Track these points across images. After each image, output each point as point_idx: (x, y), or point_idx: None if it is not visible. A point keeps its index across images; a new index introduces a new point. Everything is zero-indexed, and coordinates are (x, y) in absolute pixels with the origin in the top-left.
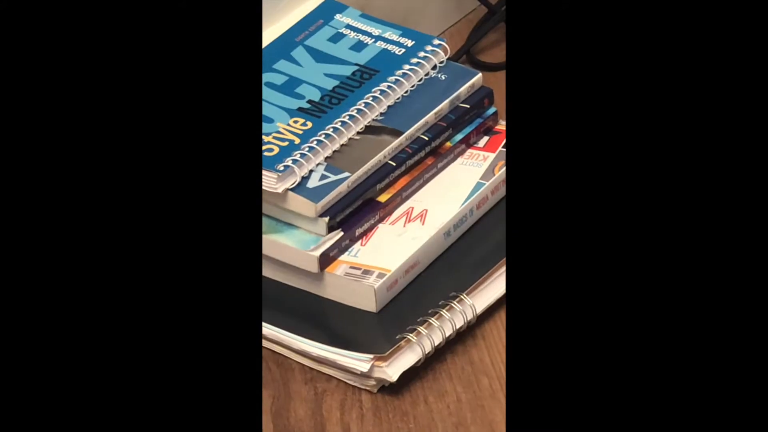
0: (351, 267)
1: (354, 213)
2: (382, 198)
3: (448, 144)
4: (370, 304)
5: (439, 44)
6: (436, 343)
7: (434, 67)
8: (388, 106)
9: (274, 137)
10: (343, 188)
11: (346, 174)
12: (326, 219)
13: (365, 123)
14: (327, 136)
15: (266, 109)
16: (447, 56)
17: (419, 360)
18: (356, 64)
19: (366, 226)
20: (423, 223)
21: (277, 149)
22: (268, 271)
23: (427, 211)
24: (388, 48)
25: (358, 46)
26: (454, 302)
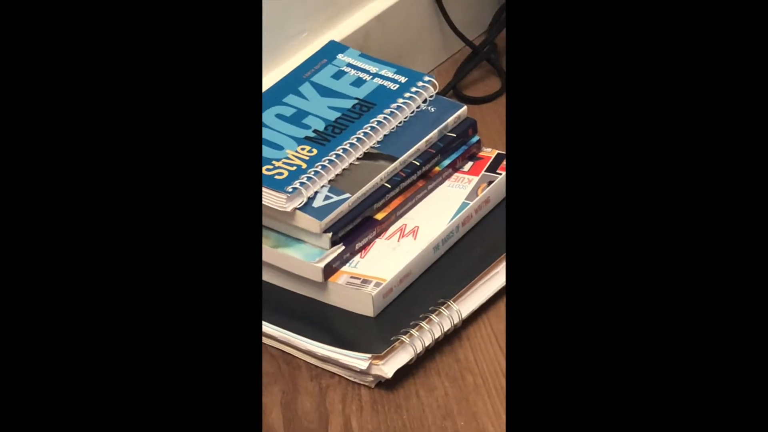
0: (351, 277)
1: (354, 229)
2: (379, 216)
3: (437, 168)
4: (368, 310)
5: (429, 80)
6: (427, 344)
7: (425, 101)
8: (384, 135)
9: (284, 162)
10: (344, 207)
11: (347, 195)
12: (330, 234)
13: (364, 150)
14: (330, 161)
15: (276, 138)
16: (436, 91)
17: (412, 359)
18: (356, 98)
19: (365, 240)
20: (415, 238)
21: (286, 173)
22: (278, 281)
23: (418, 227)
24: (384, 84)
25: (358, 82)
26: (443, 308)
